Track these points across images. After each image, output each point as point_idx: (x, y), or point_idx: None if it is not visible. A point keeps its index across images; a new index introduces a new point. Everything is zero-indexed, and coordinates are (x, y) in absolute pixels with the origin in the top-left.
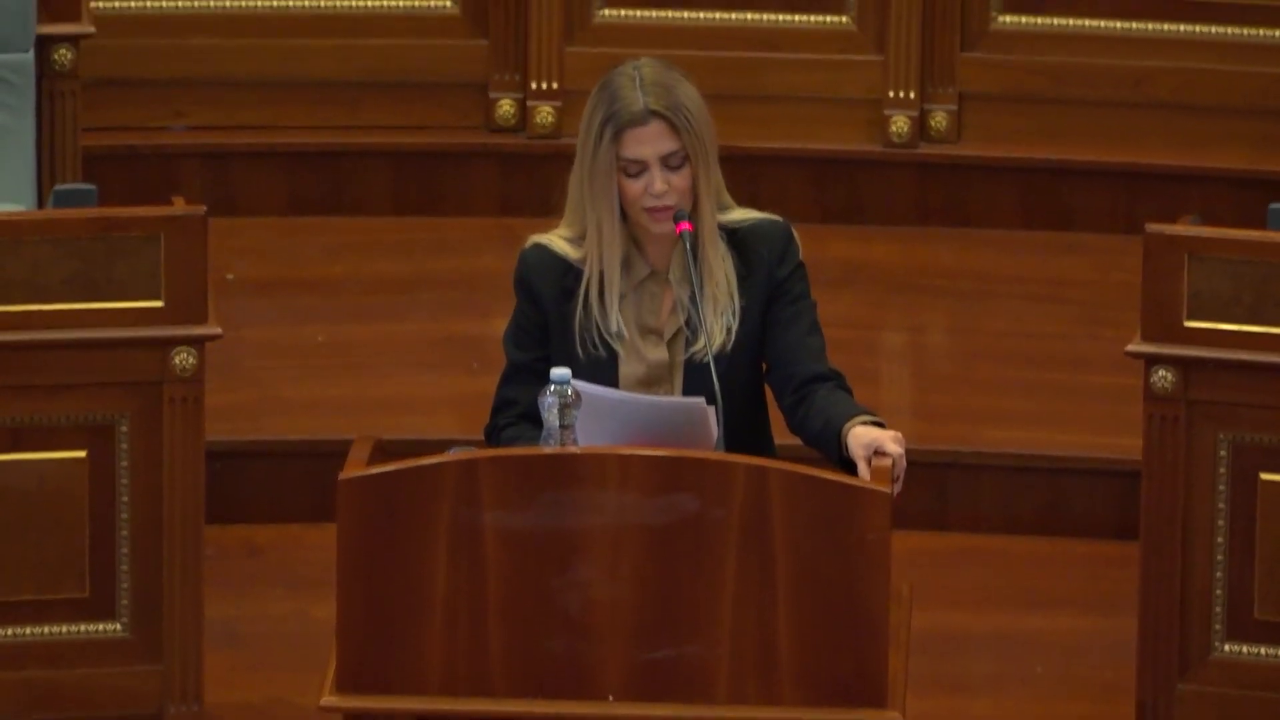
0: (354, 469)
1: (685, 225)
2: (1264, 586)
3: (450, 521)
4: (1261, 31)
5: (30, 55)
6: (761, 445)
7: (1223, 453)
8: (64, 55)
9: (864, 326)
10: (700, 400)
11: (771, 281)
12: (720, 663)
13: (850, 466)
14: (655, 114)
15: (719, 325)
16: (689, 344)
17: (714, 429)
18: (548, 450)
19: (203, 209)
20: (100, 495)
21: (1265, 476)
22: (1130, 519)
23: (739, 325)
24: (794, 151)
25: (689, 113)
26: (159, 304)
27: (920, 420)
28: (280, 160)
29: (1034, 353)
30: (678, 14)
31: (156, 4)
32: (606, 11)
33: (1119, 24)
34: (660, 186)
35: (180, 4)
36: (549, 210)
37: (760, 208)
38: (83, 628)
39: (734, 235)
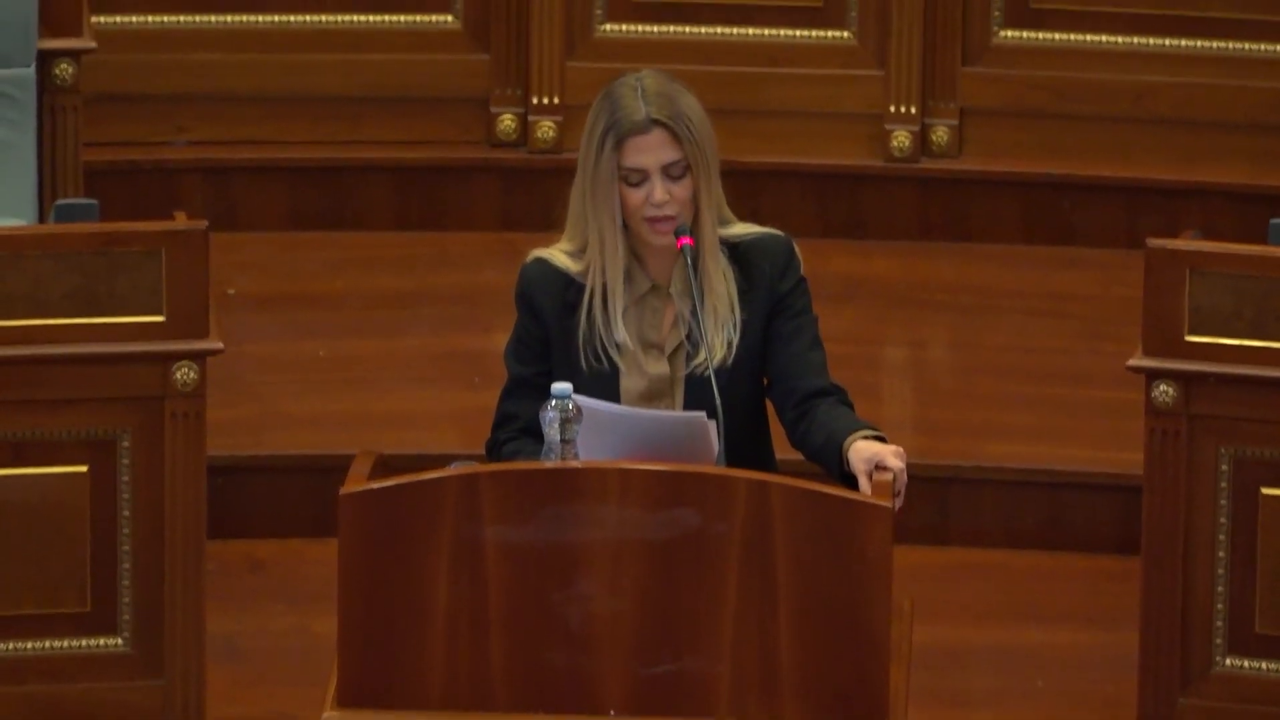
0: (355, 484)
1: (686, 240)
2: (1265, 601)
3: (451, 536)
4: (1263, 46)
5: (32, 70)
6: (763, 460)
7: (1224, 467)
8: (65, 70)
9: (865, 341)
10: (701, 415)
11: (773, 296)
12: (721, 677)
13: (851, 481)
14: (657, 123)
15: (720, 339)
16: (690, 358)
17: (715, 444)
18: (549, 465)
19: (204, 224)
20: (102, 510)
21: (1266, 491)
22: (1131, 533)
23: (740, 339)
24: (795, 166)
25: (691, 122)
26: (160, 319)
27: (921, 435)
28: (282, 175)
29: (1035, 367)
30: (679, 29)
31: (158, 19)
32: (608, 26)
33: (1120, 39)
34: (661, 196)
35: (182, 19)
36: (550, 225)
37: (761, 222)
38: (84, 642)
39: (735, 249)
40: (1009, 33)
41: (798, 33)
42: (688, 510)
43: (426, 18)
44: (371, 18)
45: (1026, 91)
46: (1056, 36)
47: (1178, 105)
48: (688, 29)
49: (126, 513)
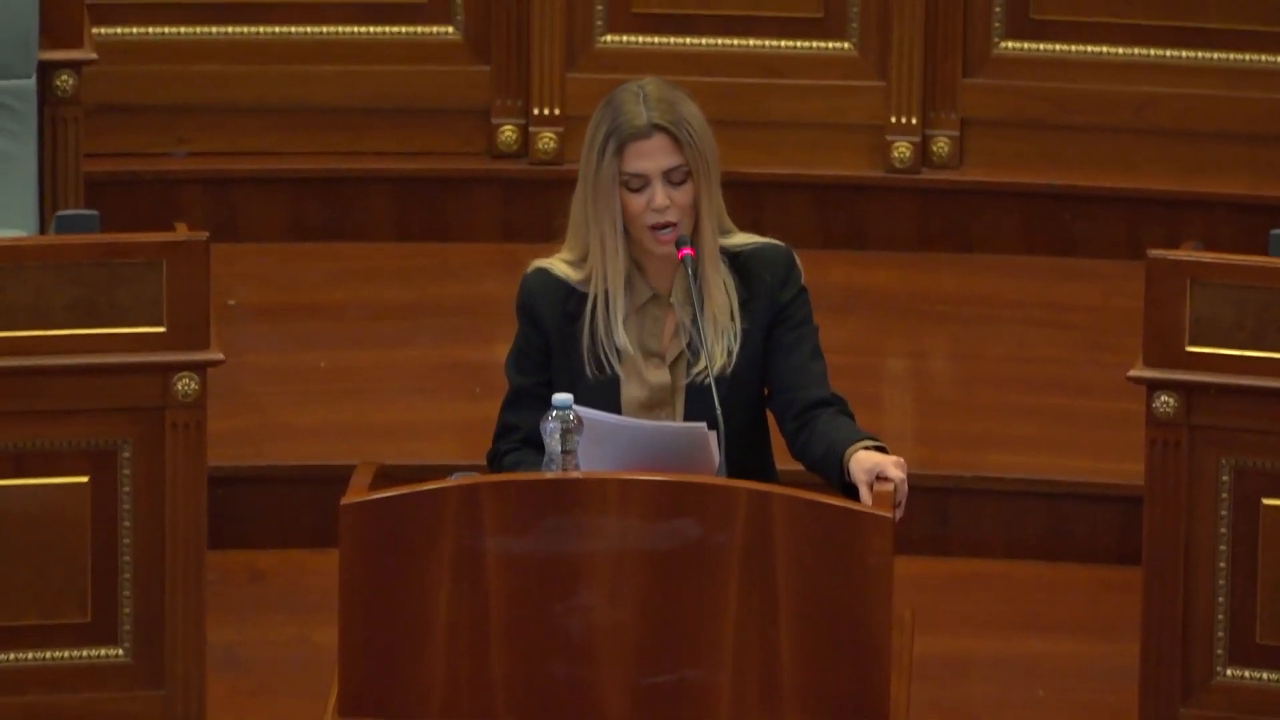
0: (356, 494)
1: (687, 251)
2: (1266, 611)
3: (452, 547)
4: (1263, 57)
5: (32, 81)
6: (763, 469)
7: (1225, 478)
8: (66, 81)
9: (866, 352)
10: (702, 425)
11: (774, 306)
12: (722, 688)
13: (852, 491)
14: (658, 128)
15: (720, 347)
16: (690, 367)
17: (715, 454)
18: (549, 475)
19: (205, 235)
20: (102, 520)
21: (1267, 501)
22: (1132, 544)
23: (740, 348)
24: (796, 177)
25: (692, 128)
26: (161, 329)
27: (922, 445)
28: (283, 186)
29: (1036, 378)
30: (680, 40)
31: (159, 30)
32: (608, 37)
33: (1121, 50)
34: (662, 201)
35: (183, 30)
36: (551, 236)
37: (763, 233)
38: (85, 653)
39: (736, 259)
40: (1010, 44)
41: (798, 44)
42: (688, 521)
43: (427, 29)
44: (372, 29)
45: (1027, 102)
46: (1057, 47)
47: (1178, 116)
48: (688, 40)
49: (127, 523)
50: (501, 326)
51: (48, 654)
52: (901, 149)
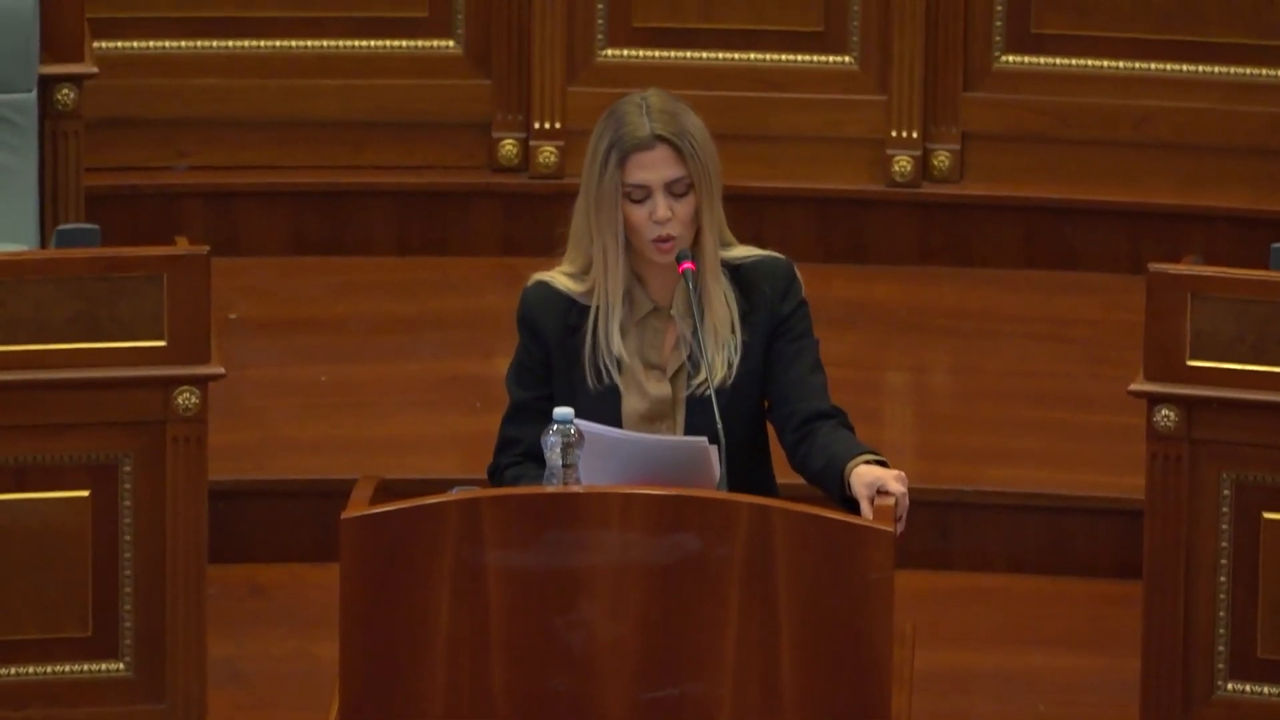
0: (357, 508)
1: (688, 264)
2: (1267, 625)
3: (453, 561)
4: (1264, 71)
5: (33, 95)
6: (763, 483)
7: (1225, 492)
8: (67, 95)
9: (867, 366)
10: (703, 440)
11: (774, 318)
12: (723, 702)
13: (853, 505)
14: (661, 139)
15: (720, 359)
16: (691, 379)
17: (716, 468)
18: (550, 489)
19: (205, 249)
20: (103, 535)
21: (1268, 515)
22: (1133, 558)
23: (740, 361)
24: (797, 191)
25: (694, 140)
26: (162, 343)
27: (923, 459)
28: (283, 200)
29: (1037, 392)
30: (680, 54)
31: (159, 44)
32: (609, 51)
33: (1121, 64)
34: (664, 213)
35: (183, 44)
36: (552, 249)
37: (763, 246)
38: (86, 667)
39: (737, 272)
40: (1010, 58)
41: (799, 58)
42: (689, 535)
43: (428, 43)
44: (373, 43)
45: (1028, 116)
46: (1058, 61)
47: (1179, 130)
48: (689, 54)
49: (128, 537)
50: (502, 340)
51: (48, 668)
52: (902, 163)
